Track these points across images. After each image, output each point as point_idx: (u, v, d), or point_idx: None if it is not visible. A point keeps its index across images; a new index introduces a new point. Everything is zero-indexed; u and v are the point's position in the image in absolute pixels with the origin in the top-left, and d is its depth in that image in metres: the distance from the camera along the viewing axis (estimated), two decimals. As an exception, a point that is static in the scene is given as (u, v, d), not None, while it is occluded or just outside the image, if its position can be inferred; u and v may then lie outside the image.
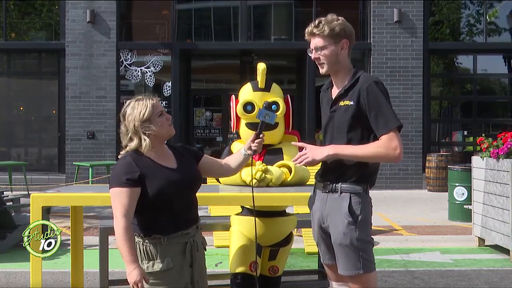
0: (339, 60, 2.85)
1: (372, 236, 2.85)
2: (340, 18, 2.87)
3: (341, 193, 2.79)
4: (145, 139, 2.70)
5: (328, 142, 2.90)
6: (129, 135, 2.74)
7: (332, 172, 2.83)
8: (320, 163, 2.89)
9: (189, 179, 2.77)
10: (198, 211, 2.90)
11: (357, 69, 2.90)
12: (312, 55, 2.89)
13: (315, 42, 2.85)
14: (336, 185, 2.80)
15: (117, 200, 2.62)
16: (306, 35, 2.91)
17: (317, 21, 2.86)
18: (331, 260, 2.91)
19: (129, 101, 2.81)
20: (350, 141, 2.78)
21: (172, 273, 2.68)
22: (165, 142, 2.88)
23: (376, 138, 2.75)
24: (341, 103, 2.82)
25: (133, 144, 2.72)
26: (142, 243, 2.70)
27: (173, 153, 2.84)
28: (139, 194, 2.64)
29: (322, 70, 2.89)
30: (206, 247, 2.91)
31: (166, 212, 2.68)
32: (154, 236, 2.68)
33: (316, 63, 2.90)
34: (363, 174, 2.79)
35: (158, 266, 2.67)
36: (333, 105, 2.88)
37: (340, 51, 2.83)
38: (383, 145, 2.70)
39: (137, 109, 2.72)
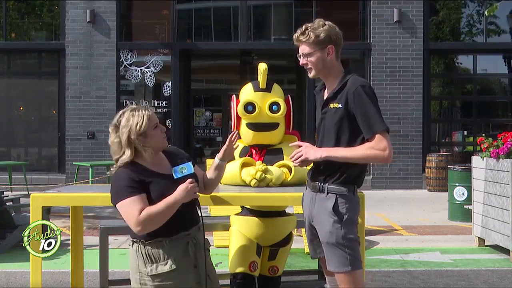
0: (327, 65, 2.94)
1: (359, 235, 2.94)
2: (327, 23, 2.94)
3: (327, 193, 2.88)
4: (146, 150, 2.68)
5: (319, 142, 2.99)
6: (122, 146, 2.69)
7: (321, 173, 2.92)
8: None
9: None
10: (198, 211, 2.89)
11: (347, 71, 2.96)
12: (300, 61, 2.99)
13: (302, 49, 2.96)
14: (324, 185, 2.89)
15: (129, 209, 2.59)
16: (294, 41, 2.99)
17: (303, 28, 2.94)
18: (323, 253, 2.97)
19: (122, 111, 2.75)
20: (339, 142, 2.87)
21: (176, 275, 2.69)
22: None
23: (364, 140, 2.83)
24: (331, 106, 2.91)
25: (126, 156, 2.68)
26: (144, 247, 2.69)
27: (167, 158, 2.83)
28: (146, 200, 2.62)
29: (310, 75, 3.01)
30: (208, 247, 2.91)
31: None
32: (156, 239, 2.68)
33: (305, 68, 3.00)
34: (350, 176, 2.88)
35: (162, 268, 2.67)
36: (324, 107, 2.97)
37: (326, 56, 2.92)
38: (373, 147, 2.79)
39: (132, 120, 2.67)
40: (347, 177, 2.87)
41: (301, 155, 2.89)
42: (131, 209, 2.59)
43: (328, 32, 2.90)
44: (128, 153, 2.67)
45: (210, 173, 3.01)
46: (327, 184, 2.88)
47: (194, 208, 2.82)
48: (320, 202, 2.90)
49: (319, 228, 2.91)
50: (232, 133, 3.09)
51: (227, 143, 3.02)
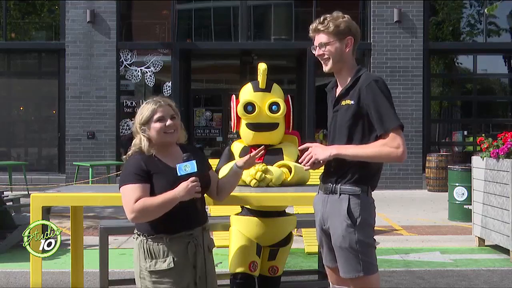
0: (343, 58, 2.83)
1: (374, 238, 2.81)
2: (346, 16, 2.86)
3: (340, 194, 2.76)
4: (143, 140, 2.77)
5: (330, 141, 2.89)
6: (134, 132, 2.85)
7: (333, 174, 2.81)
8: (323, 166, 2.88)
9: None
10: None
11: (360, 67, 2.87)
12: (316, 52, 2.87)
13: (320, 38, 2.83)
14: (336, 186, 2.78)
15: (128, 195, 2.67)
16: (310, 32, 2.88)
17: (322, 18, 2.84)
18: (332, 262, 2.89)
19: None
20: (351, 140, 2.76)
21: (174, 273, 2.70)
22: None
23: (377, 138, 2.72)
24: (343, 103, 2.80)
25: (136, 142, 2.81)
26: (146, 242, 2.73)
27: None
28: (149, 190, 2.69)
29: (326, 68, 2.87)
30: (211, 249, 2.91)
31: (171, 211, 2.68)
32: (157, 235, 2.71)
33: (320, 59, 2.88)
34: (363, 175, 2.76)
35: (160, 265, 2.70)
36: (336, 104, 2.86)
37: (344, 48, 2.81)
38: (386, 144, 2.67)
39: (141, 110, 2.83)
40: (360, 177, 2.74)
41: (311, 157, 2.76)
42: (130, 196, 2.65)
43: (348, 24, 2.82)
44: (137, 140, 2.80)
45: (225, 179, 3.03)
46: (339, 184, 2.75)
47: (202, 208, 2.84)
48: (333, 204, 2.78)
49: (331, 232, 2.79)
50: (260, 149, 3.09)
51: (252, 154, 3.03)
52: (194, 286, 2.76)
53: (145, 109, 2.80)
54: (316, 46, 2.85)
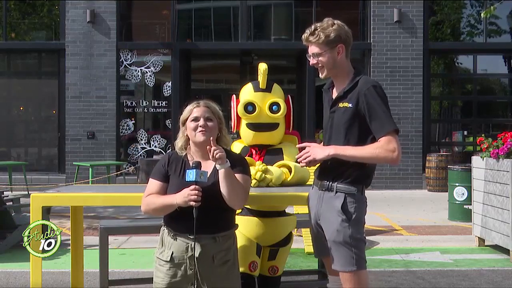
0: (337, 65, 2.93)
1: (365, 235, 2.94)
2: (336, 22, 2.93)
3: (336, 192, 2.87)
4: (178, 139, 2.93)
5: (327, 141, 2.98)
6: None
7: (330, 172, 2.91)
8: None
9: (209, 190, 2.72)
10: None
11: (357, 71, 2.96)
12: (311, 61, 2.98)
13: (312, 49, 2.94)
14: (333, 184, 2.88)
15: (147, 187, 2.90)
16: (303, 41, 2.98)
17: (312, 28, 2.93)
18: (326, 253, 2.97)
19: None
20: (348, 142, 2.86)
21: (170, 267, 2.81)
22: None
23: (373, 140, 2.82)
24: (340, 105, 2.90)
25: (178, 139, 2.96)
26: (163, 230, 2.90)
27: None
28: (164, 188, 2.85)
29: (322, 75, 2.99)
30: (224, 260, 2.86)
31: (178, 211, 2.75)
32: (167, 227, 2.87)
33: (315, 67, 2.99)
34: (359, 175, 2.87)
35: (162, 255, 2.85)
36: (333, 106, 2.96)
37: (337, 56, 2.91)
38: (382, 147, 2.78)
39: (183, 111, 2.97)
40: (356, 177, 2.86)
41: (309, 155, 2.87)
42: (147, 188, 2.89)
43: (338, 31, 2.89)
44: (180, 134, 2.94)
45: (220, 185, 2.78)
46: (336, 183, 2.87)
47: (211, 217, 2.78)
48: (328, 200, 2.89)
49: (325, 227, 2.90)
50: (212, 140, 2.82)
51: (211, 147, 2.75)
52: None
53: (185, 110, 2.94)
54: (310, 56, 2.96)
